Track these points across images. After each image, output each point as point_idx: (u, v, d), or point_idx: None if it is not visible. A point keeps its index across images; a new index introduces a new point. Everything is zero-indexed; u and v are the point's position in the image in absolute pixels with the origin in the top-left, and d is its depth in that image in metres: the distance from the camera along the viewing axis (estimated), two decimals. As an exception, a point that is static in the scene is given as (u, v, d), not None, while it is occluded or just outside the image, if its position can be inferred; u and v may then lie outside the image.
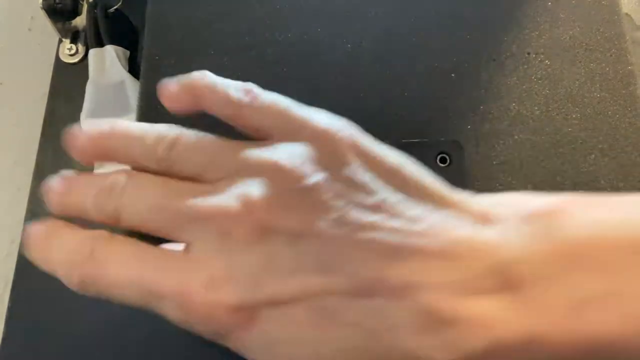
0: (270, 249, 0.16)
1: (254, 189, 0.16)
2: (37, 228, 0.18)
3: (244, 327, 0.16)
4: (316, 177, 0.16)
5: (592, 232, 0.15)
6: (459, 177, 0.25)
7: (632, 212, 0.16)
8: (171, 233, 0.17)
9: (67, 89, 0.36)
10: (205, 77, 0.19)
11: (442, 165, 0.25)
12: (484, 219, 0.17)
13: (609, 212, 0.16)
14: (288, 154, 0.17)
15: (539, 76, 0.27)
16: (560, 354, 0.14)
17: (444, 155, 0.25)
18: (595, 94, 0.27)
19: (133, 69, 0.34)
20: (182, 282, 0.16)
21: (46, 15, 0.34)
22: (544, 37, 0.28)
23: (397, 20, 0.28)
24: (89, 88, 0.34)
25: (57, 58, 0.37)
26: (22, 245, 0.32)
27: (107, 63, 0.34)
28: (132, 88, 0.33)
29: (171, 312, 0.16)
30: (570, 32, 0.28)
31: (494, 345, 0.14)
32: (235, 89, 0.18)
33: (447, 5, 0.29)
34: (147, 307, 0.17)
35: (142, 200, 0.17)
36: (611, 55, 0.28)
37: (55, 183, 0.19)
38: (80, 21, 0.37)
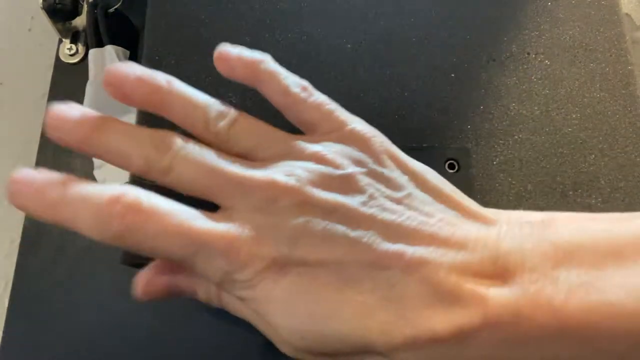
0: (308, 219, 0.18)
1: (300, 169, 0.19)
2: (51, 177, 0.17)
3: (274, 279, 0.18)
4: (353, 168, 0.19)
5: (575, 238, 0.18)
6: (467, 184, 0.25)
7: (610, 224, 0.18)
8: (218, 195, 0.19)
9: (67, 89, 0.36)
10: (266, 60, 0.21)
11: (450, 171, 0.25)
12: (486, 220, 0.19)
13: (591, 223, 0.18)
14: (331, 149, 0.19)
15: (539, 76, 0.27)
16: (542, 332, 0.16)
17: (453, 161, 0.26)
18: (595, 94, 0.27)
19: (133, 69, 0.34)
20: (231, 234, 0.18)
21: (46, 15, 0.34)
22: (544, 37, 0.28)
23: (397, 20, 0.28)
24: (89, 88, 0.34)
25: (57, 58, 0.37)
26: (22, 246, 0.33)
27: (107, 63, 0.34)
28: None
29: (212, 260, 0.18)
30: (570, 32, 0.28)
31: (487, 321, 0.16)
32: (294, 83, 0.21)
33: (447, 5, 0.29)
34: (183, 257, 0.18)
35: (199, 162, 0.18)
36: (611, 56, 0.28)
37: (85, 115, 0.18)
38: (80, 21, 0.37)
